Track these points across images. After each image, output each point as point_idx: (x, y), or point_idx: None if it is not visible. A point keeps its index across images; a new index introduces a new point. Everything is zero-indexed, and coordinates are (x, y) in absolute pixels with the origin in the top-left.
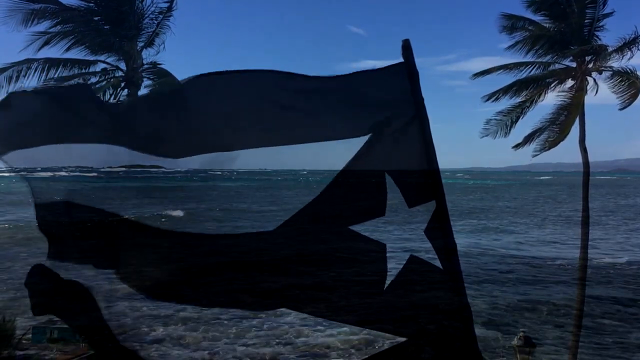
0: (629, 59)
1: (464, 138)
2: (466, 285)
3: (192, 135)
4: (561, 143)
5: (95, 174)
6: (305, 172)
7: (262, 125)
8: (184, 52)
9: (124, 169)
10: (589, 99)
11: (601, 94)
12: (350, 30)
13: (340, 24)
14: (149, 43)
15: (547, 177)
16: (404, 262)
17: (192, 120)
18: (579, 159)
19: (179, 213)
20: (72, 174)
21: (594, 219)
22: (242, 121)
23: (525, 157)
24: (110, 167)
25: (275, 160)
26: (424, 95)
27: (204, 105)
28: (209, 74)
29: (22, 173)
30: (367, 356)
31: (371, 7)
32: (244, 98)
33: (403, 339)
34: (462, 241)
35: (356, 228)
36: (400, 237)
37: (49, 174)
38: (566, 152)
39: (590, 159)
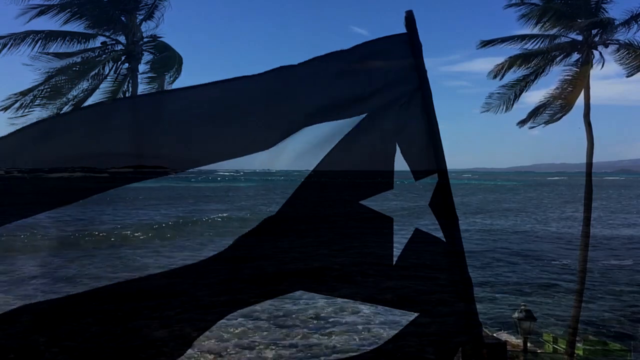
0: (635, 32)
1: (466, 139)
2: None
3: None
4: (564, 143)
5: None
6: (312, 173)
7: (256, 128)
8: (182, 45)
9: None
10: (592, 99)
11: (604, 94)
12: (353, 31)
13: (343, 24)
14: (149, 16)
15: (556, 178)
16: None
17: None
18: (582, 159)
19: (223, 215)
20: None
21: (601, 220)
22: (229, 128)
23: (528, 158)
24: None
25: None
26: None
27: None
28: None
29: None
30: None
31: (374, 7)
32: (228, 104)
33: (415, 314)
34: (467, 241)
35: (365, 202)
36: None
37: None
38: (569, 153)
39: (594, 159)
